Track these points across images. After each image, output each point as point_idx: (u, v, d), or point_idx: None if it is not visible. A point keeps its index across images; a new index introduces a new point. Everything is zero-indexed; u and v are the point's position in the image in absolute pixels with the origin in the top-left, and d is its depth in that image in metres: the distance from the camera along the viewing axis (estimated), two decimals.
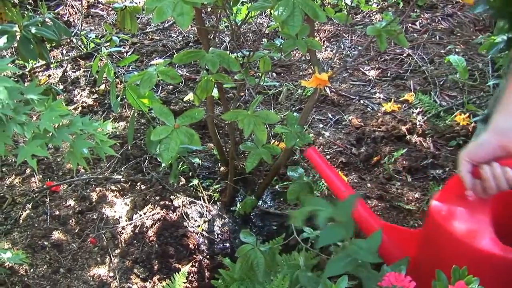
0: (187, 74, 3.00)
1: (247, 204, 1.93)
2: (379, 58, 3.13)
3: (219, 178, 2.26)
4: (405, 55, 3.11)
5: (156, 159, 2.33)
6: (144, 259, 1.90)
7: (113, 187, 2.21)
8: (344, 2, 3.46)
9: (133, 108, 1.88)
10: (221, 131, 2.32)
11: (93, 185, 2.23)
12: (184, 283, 1.73)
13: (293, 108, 2.64)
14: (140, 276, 1.84)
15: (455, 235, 1.06)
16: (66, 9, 3.64)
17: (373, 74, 2.98)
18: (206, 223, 2.07)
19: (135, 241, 1.97)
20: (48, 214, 2.07)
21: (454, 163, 2.25)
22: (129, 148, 2.40)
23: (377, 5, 3.56)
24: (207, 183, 2.23)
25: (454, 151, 2.33)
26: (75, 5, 3.66)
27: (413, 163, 2.27)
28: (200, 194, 2.16)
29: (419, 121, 2.52)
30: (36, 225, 2.03)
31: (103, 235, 1.99)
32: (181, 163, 2.14)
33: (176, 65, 3.04)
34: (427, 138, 2.42)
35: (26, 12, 2.81)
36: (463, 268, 0.88)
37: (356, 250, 1.00)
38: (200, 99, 1.62)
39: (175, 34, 3.47)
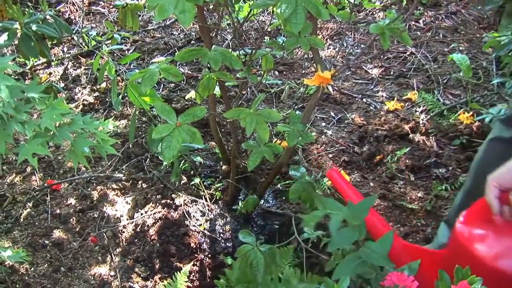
0: (189, 72, 3.00)
1: (249, 203, 1.93)
2: (382, 56, 3.12)
3: (221, 177, 2.26)
4: (408, 53, 3.10)
5: (158, 158, 2.33)
6: (145, 258, 1.90)
7: (114, 186, 2.21)
8: (347, 0, 3.46)
9: (135, 106, 1.88)
10: (223, 130, 2.32)
11: (94, 184, 2.24)
12: (186, 282, 1.74)
13: (296, 107, 2.64)
14: (141, 275, 1.85)
15: (479, 257, 1.05)
16: (67, 7, 3.65)
17: (376, 73, 2.97)
18: (208, 222, 2.07)
19: (136, 240, 1.98)
20: (49, 212, 2.08)
21: (457, 162, 2.25)
22: (130, 146, 2.40)
23: (380, 3, 3.56)
24: (208, 182, 2.24)
25: (458, 150, 2.32)
26: (76, 2, 3.66)
27: (416, 162, 2.27)
28: (202, 193, 2.16)
29: (422, 119, 2.52)
30: (36, 223, 2.04)
31: (104, 234, 2.00)
32: (182, 161, 2.15)
33: (178, 63, 3.03)
34: (430, 137, 2.41)
35: (26, 9, 2.81)
36: (466, 268, 0.88)
37: (368, 253, 1.00)
38: (202, 97, 1.62)
39: (176, 32, 3.47)
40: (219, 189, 2.19)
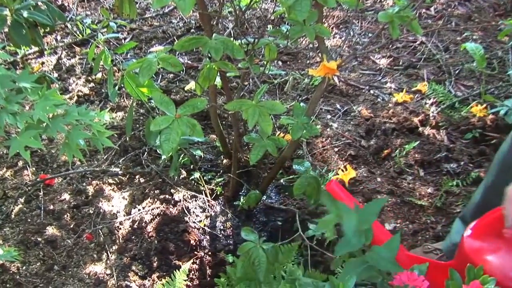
0: (189, 62, 3.00)
1: (251, 199, 1.93)
2: (390, 46, 3.11)
3: (221, 171, 2.26)
4: (418, 42, 3.09)
5: (156, 151, 2.33)
6: (143, 255, 1.91)
7: (110, 180, 2.22)
8: None
9: (132, 97, 1.88)
10: (224, 122, 2.31)
11: (90, 178, 2.24)
12: (185, 281, 1.74)
13: (300, 98, 2.63)
14: (139, 274, 1.85)
15: (488, 272, 1.06)
16: None
17: (384, 63, 2.96)
18: (208, 218, 2.07)
19: (133, 237, 1.98)
20: (42, 208, 2.08)
21: (469, 157, 2.25)
22: (127, 139, 2.40)
23: None
24: (209, 176, 2.24)
25: (470, 144, 2.32)
26: None
27: (426, 157, 2.26)
28: (202, 188, 2.16)
29: (432, 112, 2.51)
30: (29, 220, 2.04)
31: (99, 231, 2.00)
32: (182, 155, 2.14)
33: (177, 53, 3.03)
34: (441, 131, 2.41)
35: None
36: (479, 267, 0.87)
37: (375, 258, 1.00)
38: (202, 88, 1.61)
39: (175, 20, 3.46)
40: (219, 184, 2.19)
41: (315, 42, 1.46)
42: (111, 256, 1.91)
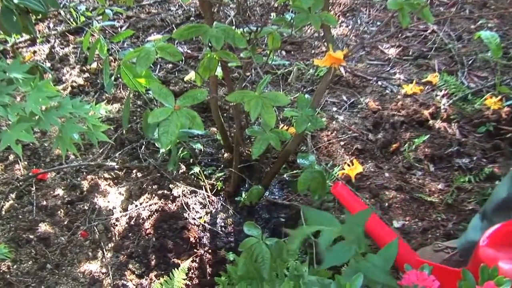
0: (188, 51, 2.99)
1: (253, 194, 1.93)
2: (400, 35, 3.10)
3: (222, 166, 2.26)
4: (429, 31, 3.07)
5: (154, 145, 2.34)
6: (140, 253, 1.91)
7: (106, 175, 2.22)
8: None
9: (129, 88, 1.88)
10: (225, 114, 2.31)
11: (84, 173, 2.24)
12: (184, 279, 1.75)
13: (304, 90, 2.63)
14: (136, 272, 1.86)
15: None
16: None
17: (393, 53, 2.95)
18: (208, 214, 2.08)
19: (130, 234, 1.99)
20: (34, 204, 2.09)
21: (482, 152, 2.24)
22: (124, 132, 2.40)
23: None
24: (209, 171, 2.24)
25: (483, 138, 2.31)
26: None
27: (436, 151, 2.26)
28: (202, 183, 2.16)
29: (443, 104, 2.50)
30: (20, 216, 2.04)
31: (95, 228, 2.01)
32: (181, 148, 2.15)
33: (176, 42, 3.02)
34: (453, 124, 2.40)
35: None
36: (493, 267, 0.87)
37: (369, 268, 0.99)
38: (203, 78, 1.61)
39: (174, 7, 3.45)
40: (220, 179, 2.19)
41: (321, 31, 1.45)
42: (107, 254, 1.92)
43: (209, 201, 2.12)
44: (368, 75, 2.78)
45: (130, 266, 1.88)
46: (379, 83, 2.73)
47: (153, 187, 2.15)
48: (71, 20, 3.24)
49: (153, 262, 1.89)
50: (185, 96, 1.27)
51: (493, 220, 1.53)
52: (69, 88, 2.71)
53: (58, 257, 1.91)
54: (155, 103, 2.36)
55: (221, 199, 2.14)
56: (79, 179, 2.21)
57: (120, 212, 2.07)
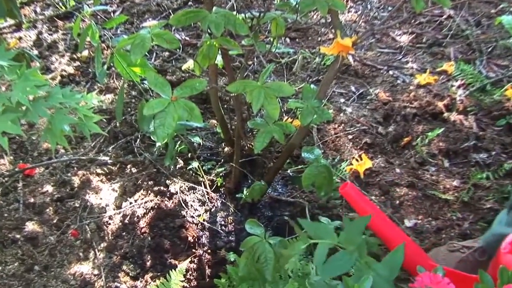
0: (186, 38, 2.99)
1: (255, 191, 1.93)
2: (413, 21, 3.09)
3: (223, 160, 2.27)
4: (445, 16, 3.06)
5: (149, 138, 2.34)
6: (134, 254, 1.92)
7: (98, 170, 2.22)
8: None
9: (122, 78, 1.88)
10: (225, 106, 2.32)
11: (75, 168, 2.25)
12: (182, 281, 1.75)
13: (310, 80, 2.63)
14: (130, 274, 1.86)
15: None
16: None
17: (405, 40, 2.94)
18: (208, 212, 2.08)
19: (124, 233, 1.99)
20: (21, 202, 2.09)
21: (502, 146, 2.24)
22: (117, 125, 2.40)
23: None
24: (209, 166, 2.24)
25: (503, 132, 2.31)
26: None
27: (451, 145, 2.26)
28: (201, 179, 2.16)
29: (459, 95, 2.50)
30: (6, 215, 2.05)
31: (86, 226, 2.01)
32: (178, 142, 2.15)
33: (173, 28, 3.02)
34: (469, 116, 2.40)
35: None
36: None
37: (373, 276, 0.98)
38: (202, 67, 1.61)
39: None
40: (220, 174, 2.19)
41: (328, 16, 1.45)
42: (99, 255, 1.92)
43: (208, 198, 2.12)
44: (378, 64, 2.78)
45: (124, 267, 1.88)
46: (390, 72, 2.73)
47: (149, 183, 2.15)
48: (60, 4, 3.24)
49: (148, 263, 1.89)
50: (183, 86, 1.27)
51: None
52: (59, 78, 2.71)
53: (47, 258, 1.92)
54: (151, 93, 2.36)
55: (221, 196, 2.14)
56: (69, 174, 2.21)
57: (114, 209, 2.07)
